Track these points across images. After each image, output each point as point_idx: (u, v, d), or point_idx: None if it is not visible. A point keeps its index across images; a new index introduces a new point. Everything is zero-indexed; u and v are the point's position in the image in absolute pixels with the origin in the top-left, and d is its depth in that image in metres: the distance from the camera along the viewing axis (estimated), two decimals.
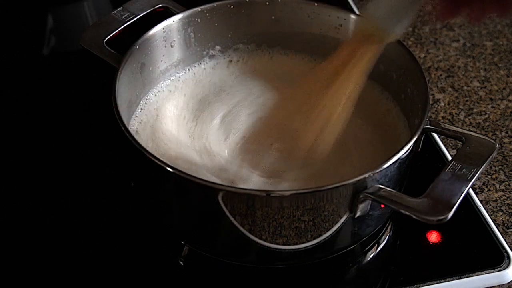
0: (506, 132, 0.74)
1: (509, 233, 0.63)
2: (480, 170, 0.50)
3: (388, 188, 0.50)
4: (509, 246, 0.61)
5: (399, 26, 0.55)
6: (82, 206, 0.64)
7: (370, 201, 0.51)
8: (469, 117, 0.76)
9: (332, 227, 0.53)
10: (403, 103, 0.62)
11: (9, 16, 0.86)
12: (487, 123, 0.75)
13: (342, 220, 0.52)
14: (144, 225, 0.62)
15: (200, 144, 0.60)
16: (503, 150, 0.72)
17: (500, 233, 0.62)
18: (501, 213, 0.65)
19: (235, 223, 0.51)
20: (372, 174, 0.50)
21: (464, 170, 0.49)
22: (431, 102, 0.77)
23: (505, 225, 0.64)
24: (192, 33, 0.66)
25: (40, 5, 0.87)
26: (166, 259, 0.60)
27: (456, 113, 0.76)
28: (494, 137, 0.73)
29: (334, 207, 0.51)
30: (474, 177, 0.50)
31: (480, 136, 0.54)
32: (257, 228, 0.51)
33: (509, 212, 0.65)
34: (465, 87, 0.80)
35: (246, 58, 0.68)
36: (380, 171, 0.50)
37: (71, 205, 0.64)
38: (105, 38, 0.62)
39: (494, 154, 0.53)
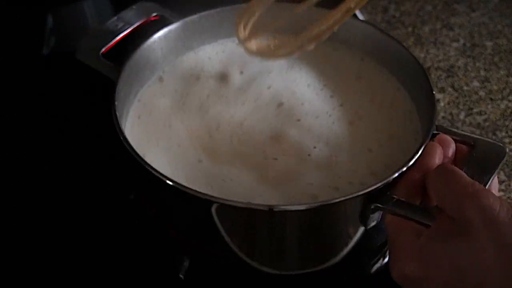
0: (506, 132, 0.74)
1: None
2: (492, 177, 0.50)
3: (398, 197, 0.49)
4: None
5: None
6: (79, 210, 0.63)
7: (381, 212, 0.50)
8: (469, 117, 0.76)
9: (341, 237, 0.52)
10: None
11: (9, 16, 0.86)
12: (487, 123, 0.75)
13: (353, 231, 0.52)
14: (146, 238, 0.62)
15: (201, 144, 0.59)
16: None
17: None
18: None
19: (237, 236, 0.51)
20: (382, 185, 0.49)
21: (475, 176, 0.48)
22: None
23: None
24: (189, 42, 0.65)
25: (40, 5, 0.86)
26: (168, 273, 0.59)
27: (456, 113, 0.76)
28: (494, 137, 0.73)
29: (343, 219, 0.50)
30: (487, 184, 0.49)
31: (490, 140, 0.52)
32: (260, 241, 0.51)
33: None
34: (465, 87, 0.80)
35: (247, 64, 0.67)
36: (390, 181, 0.49)
37: (68, 209, 0.63)
38: (100, 50, 0.61)
39: (504, 160, 0.51)
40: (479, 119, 0.76)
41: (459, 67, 0.83)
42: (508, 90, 0.80)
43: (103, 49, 0.61)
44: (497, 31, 0.89)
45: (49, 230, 0.62)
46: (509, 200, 0.66)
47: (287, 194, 0.54)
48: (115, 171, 0.67)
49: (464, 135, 0.53)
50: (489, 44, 0.87)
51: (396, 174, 0.49)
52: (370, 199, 0.49)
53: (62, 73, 0.79)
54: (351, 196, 0.48)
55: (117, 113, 0.54)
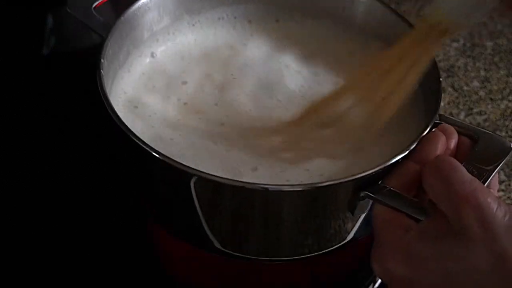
0: (506, 132, 0.74)
1: None
2: (493, 174, 0.47)
3: (391, 188, 0.47)
4: None
5: (468, 18, 0.52)
6: (79, 210, 0.64)
7: (371, 200, 0.48)
8: (469, 117, 0.76)
9: (330, 224, 0.51)
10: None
11: (9, 16, 0.86)
12: (487, 123, 0.75)
13: (340, 217, 0.50)
14: (146, 238, 0.62)
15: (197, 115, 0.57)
16: None
17: None
18: None
19: (226, 216, 0.49)
20: (374, 172, 0.46)
21: (475, 172, 0.46)
22: None
23: None
24: (190, 4, 0.62)
25: (40, 5, 0.86)
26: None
27: (456, 113, 0.76)
28: None
29: (332, 204, 0.49)
30: (486, 181, 0.47)
31: (494, 135, 0.50)
32: (253, 221, 0.50)
33: None
34: (465, 87, 0.80)
35: (249, 24, 0.65)
36: (384, 167, 0.47)
37: (68, 209, 0.63)
38: (92, 5, 0.58)
39: (509, 157, 0.49)
40: (479, 119, 0.76)
41: (459, 67, 0.83)
42: (508, 90, 0.80)
43: (95, 4, 0.59)
44: (497, 31, 0.89)
45: (49, 230, 0.62)
46: (509, 200, 0.66)
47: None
48: (115, 172, 0.67)
49: (468, 127, 0.51)
50: (489, 44, 0.87)
51: (390, 162, 0.47)
52: (360, 186, 0.47)
53: (62, 73, 0.79)
54: (340, 181, 0.46)
55: (102, 72, 0.52)
